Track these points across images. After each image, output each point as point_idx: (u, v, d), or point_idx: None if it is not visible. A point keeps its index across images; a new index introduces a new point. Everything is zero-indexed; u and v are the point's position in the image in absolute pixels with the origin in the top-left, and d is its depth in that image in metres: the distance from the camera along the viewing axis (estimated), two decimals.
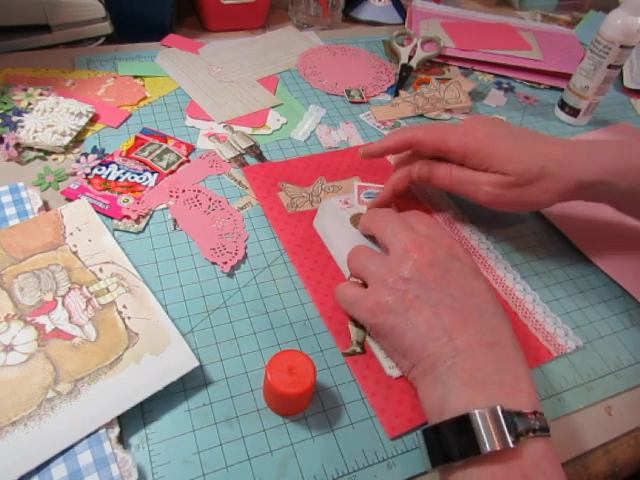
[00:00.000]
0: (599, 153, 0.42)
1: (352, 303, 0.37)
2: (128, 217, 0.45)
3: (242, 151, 0.54)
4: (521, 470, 0.28)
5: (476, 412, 0.29)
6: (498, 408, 0.29)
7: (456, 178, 0.44)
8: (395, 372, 0.37)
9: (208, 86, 0.62)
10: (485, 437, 0.29)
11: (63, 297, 0.38)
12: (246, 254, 0.45)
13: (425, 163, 0.45)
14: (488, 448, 0.28)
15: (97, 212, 0.45)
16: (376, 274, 0.36)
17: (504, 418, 0.29)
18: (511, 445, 0.28)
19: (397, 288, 0.35)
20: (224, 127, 0.57)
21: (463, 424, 0.29)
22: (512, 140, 0.42)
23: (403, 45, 0.72)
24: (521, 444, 0.29)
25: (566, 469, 0.35)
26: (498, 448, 0.28)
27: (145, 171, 0.50)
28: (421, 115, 0.63)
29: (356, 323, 0.40)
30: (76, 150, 0.52)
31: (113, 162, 0.50)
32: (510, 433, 0.28)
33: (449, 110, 0.64)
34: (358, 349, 0.39)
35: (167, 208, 0.47)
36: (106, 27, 0.68)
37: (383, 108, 0.63)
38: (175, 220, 0.46)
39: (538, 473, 0.28)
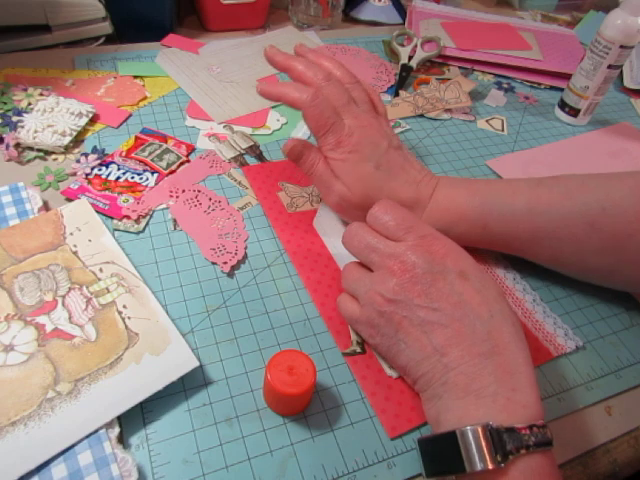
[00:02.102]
0: (445, 207, 0.42)
1: (352, 321, 0.37)
2: (128, 217, 0.45)
3: (242, 151, 0.54)
4: None
5: (464, 429, 0.29)
6: (487, 425, 0.28)
7: (317, 172, 0.43)
8: (395, 373, 0.37)
9: (208, 86, 0.62)
10: (470, 456, 0.28)
11: (63, 297, 0.38)
12: (246, 254, 0.45)
13: (300, 142, 0.44)
14: (472, 467, 0.28)
15: (97, 212, 0.45)
16: (365, 297, 0.35)
17: (492, 436, 0.28)
18: (495, 465, 0.27)
19: (384, 310, 0.34)
20: (224, 127, 0.57)
21: (450, 440, 0.29)
22: (375, 168, 0.41)
23: (403, 45, 0.72)
24: (510, 462, 0.28)
25: (566, 469, 0.35)
26: (480, 468, 0.28)
27: (145, 171, 0.50)
28: (421, 115, 0.63)
29: None
30: (76, 150, 0.52)
31: (113, 162, 0.50)
32: (497, 452, 0.28)
33: (449, 110, 0.64)
34: (358, 349, 0.39)
35: (167, 208, 0.47)
36: (106, 27, 0.68)
37: None
38: (175, 220, 0.46)
39: None
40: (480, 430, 0.28)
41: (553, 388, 0.39)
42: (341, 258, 0.44)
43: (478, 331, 0.32)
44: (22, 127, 0.51)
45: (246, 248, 0.45)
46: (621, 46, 0.57)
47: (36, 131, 0.51)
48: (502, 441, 0.28)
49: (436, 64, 0.73)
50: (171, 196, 0.48)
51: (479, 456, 0.28)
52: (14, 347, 0.35)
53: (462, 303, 0.33)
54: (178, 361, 0.35)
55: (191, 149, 0.54)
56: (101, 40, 0.69)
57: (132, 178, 0.49)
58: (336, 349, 0.39)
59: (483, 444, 0.28)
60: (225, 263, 0.43)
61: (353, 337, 0.39)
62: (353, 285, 0.37)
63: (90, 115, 0.54)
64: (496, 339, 0.32)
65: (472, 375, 0.31)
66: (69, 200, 0.46)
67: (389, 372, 0.37)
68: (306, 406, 0.35)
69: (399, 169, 0.43)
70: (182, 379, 0.35)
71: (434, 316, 0.32)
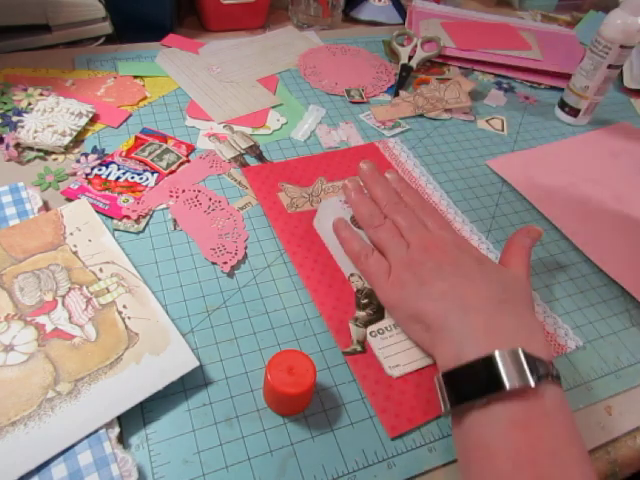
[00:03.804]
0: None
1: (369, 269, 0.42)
2: (128, 217, 0.45)
3: (242, 151, 0.54)
4: (542, 408, 0.30)
5: (497, 352, 0.31)
6: (519, 350, 0.31)
7: (372, 267, 0.41)
8: (395, 372, 0.37)
9: (208, 86, 0.62)
10: (509, 374, 0.30)
11: (63, 297, 0.38)
12: (246, 254, 0.45)
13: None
14: (511, 384, 0.29)
15: (97, 212, 0.45)
16: (398, 256, 0.40)
17: (526, 359, 0.30)
18: (532, 384, 0.29)
19: (414, 264, 0.38)
20: (224, 127, 0.57)
21: (486, 363, 0.31)
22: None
23: (403, 45, 0.72)
24: (542, 386, 0.30)
25: None
26: (520, 385, 0.29)
27: (145, 171, 0.50)
28: (421, 115, 0.63)
29: (357, 322, 0.40)
30: (76, 150, 0.52)
31: (113, 162, 0.50)
32: (532, 373, 0.30)
33: (449, 110, 0.64)
34: (359, 348, 0.39)
35: (167, 208, 0.47)
36: (106, 27, 0.68)
37: (383, 108, 0.63)
38: (175, 220, 0.46)
39: (558, 413, 0.30)
40: (520, 352, 0.31)
41: None
42: (341, 258, 0.44)
43: (494, 284, 0.36)
44: (22, 127, 0.51)
45: (246, 248, 0.45)
46: (621, 46, 0.57)
47: (36, 131, 0.51)
48: (536, 366, 0.30)
49: (436, 64, 0.73)
50: (171, 196, 0.48)
51: (521, 375, 0.30)
52: (14, 347, 0.35)
53: (484, 266, 0.38)
54: (178, 361, 0.35)
55: (191, 149, 0.54)
56: (101, 40, 0.69)
57: (132, 178, 0.49)
58: (336, 349, 0.39)
59: (524, 363, 0.30)
60: (225, 263, 0.43)
61: (354, 336, 0.39)
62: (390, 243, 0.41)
63: (90, 115, 0.54)
64: (511, 293, 0.36)
65: (492, 315, 0.34)
66: (69, 200, 0.46)
67: (389, 372, 0.37)
68: (306, 406, 0.35)
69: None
70: (182, 379, 0.35)
71: (459, 271, 0.37)
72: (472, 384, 0.31)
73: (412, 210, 0.43)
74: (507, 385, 0.30)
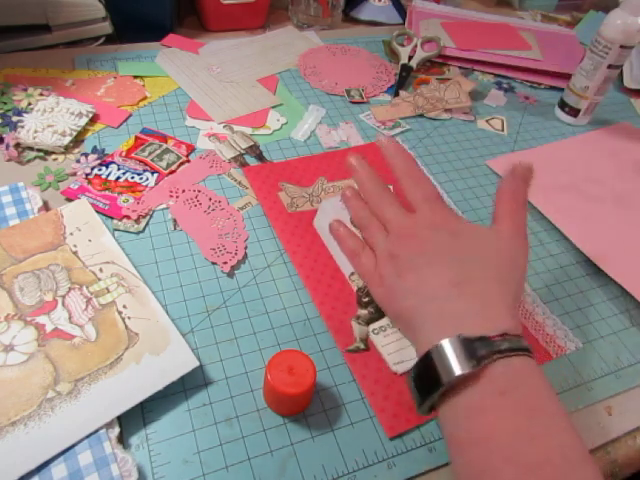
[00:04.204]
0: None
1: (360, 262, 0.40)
2: (128, 217, 0.45)
3: (242, 151, 0.54)
4: (495, 388, 0.28)
5: (437, 344, 0.30)
6: (458, 336, 0.29)
7: (363, 265, 0.40)
8: (400, 368, 0.37)
9: (208, 86, 0.62)
10: (445, 367, 0.29)
11: (63, 297, 0.38)
12: (246, 254, 0.45)
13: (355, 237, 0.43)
14: (448, 377, 0.29)
15: (97, 212, 0.45)
16: (382, 247, 0.38)
17: (463, 345, 0.29)
18: (469, 369, 0.28)
19: (392, 258, 0.37)
20: (224, 127, 0.57)
21: (428, 361, 0.30)
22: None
23: (403, 45, 0.72)
24: (489, 366, 0.29)
25: None
26: (455, 375, 0.28)
27: (145, 171, 0.50)
28: (421, 115, 0.63)
29: (359, 320, 0.40)
30: (76, 150, 0.52)
31: (113, 162, 0.50)
32: (471, 358, 0.29)
33: (449, 110, 0.64)
34: (362, 346, 0.39)
35: (167, 208, 0.47)
36: (106, 27, 0.68)
37: (383, 108, 0.63)
38: (175, 220, 0.46)
39: (515, 387, 0.28)
40: (450, 341, 0.29)
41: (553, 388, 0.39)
42: (341, 258, 0.44)
43: (455, 266, 0.34)
44: (22, 127, 0.51)
45: (246, 248, 0.45)
46: (621, 46, 0.57)
47: (36, 131, 0.51)
48: (473, 348, 0.29)
49: (436, 64, 0.73)
50: (171, 196, 0.48)
51: (453, 365, 0.29)
52: (14, 347, 0.35)
53: (452, 247, 0.35)
54: (178, 361, 0.35)
55: (191, 149, 0.54)
56: (101, 40, 0.69)
57: (132, 178, 0.49)
58: (336, 349, 0.39)
59: (455, 353, 0.29)
60: (225, 263, 0.43)
61: (356, 334, 0.39)
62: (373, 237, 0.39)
63: (90, 115, 0.54)
64: (477, 267, 0.34)
65: (444, 300, 0.32)
66: (69, 200, 0.46)
67: (394, 368, 0.37)
68: (306, 406, 0.35)
69: None
70: (182, 379, 0.35)
71: (423, 259, 0.35)
72: (423, 385, 0.31)
73: (393, 192, 0.41)
74: (445, 379, 0.29)
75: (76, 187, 0.47)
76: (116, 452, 0.31)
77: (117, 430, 0.32)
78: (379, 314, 0.41)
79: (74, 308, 0.37)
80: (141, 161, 0.51)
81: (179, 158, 0.52)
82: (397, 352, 0.38)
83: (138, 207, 0.46)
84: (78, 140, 0.53)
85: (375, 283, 0.38)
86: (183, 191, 0.49)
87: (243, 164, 0.53)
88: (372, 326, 0.40)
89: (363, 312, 0.41)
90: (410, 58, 0.70)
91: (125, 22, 0.69)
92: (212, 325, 0.39)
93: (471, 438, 0.28)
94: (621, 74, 0.75)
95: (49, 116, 0.52)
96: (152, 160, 0.51)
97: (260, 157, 0.54)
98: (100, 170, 0.49)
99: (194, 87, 0.62)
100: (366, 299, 0.42)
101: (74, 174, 0.49)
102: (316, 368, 0.33)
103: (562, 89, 0.67)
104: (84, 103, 0.55)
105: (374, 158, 0.55)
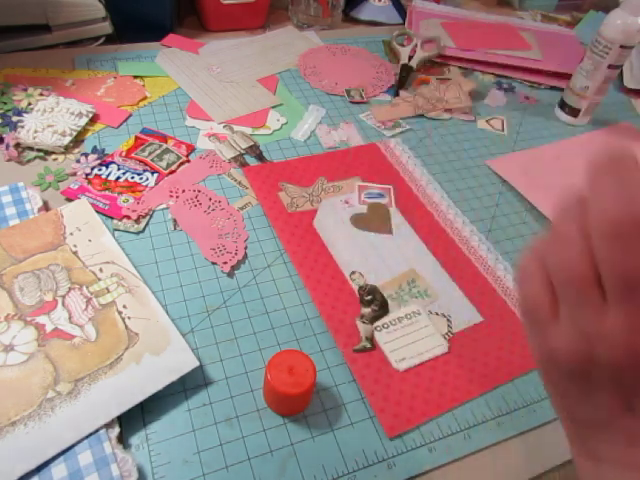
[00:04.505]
0: None
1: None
2: (128, 217, 0.45)
3: (242, 151, 0.54)
4: None
5: None
6: None
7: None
8: (402, 365, 0.37)
9: (208, 86, 0.62)
10: None
11: (63, 297, 0.38)
12: (246, 254, 0.45)
13: None
14: None
15: (97, 212, 0.45)
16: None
17: None
18: None
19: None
20: (224, 127, 0.57)
21: None
22: None
23: (403, 45, 0.72)
24: None
25: (566, 470, 0.35)
26: None
27: (145, 171, 0.50)
28: (421, 115, 0.63)
29: (363, 319, 0.40)
30: (76, 150, 0.52)
31: (113, 162, 0.50)
32: None
33: (449, 110, 0.64)
34: (368, 345, 0.39)
35: (167, 208, 0.47)
36: (106, 27, 0.68)
37: (383, 108, 0.63)
38: (175, 220, 0.46)
39: None
40: None
41: None
42: (341, 258, 0.44)
43: None
44: (22, 127, 0.51)
45: (246, 248, 0.45)
46: (621, 46, 0.57)
47: (36, 131, 0.51)
48: None
49: (436, 64, 0.73)
50: (171, 196, 0.48)
51: None
52: (14, 347, 0.35)
53: None
54: (178, 361, 0.35)
55: (191, 149, 0.54)
56: (101, 40, 0.69)
57: (132, 178, 0.49)
58: (336, 349, 0.39)
59: None
60: (225, 263, 0.43)
61: (362, 333, 0.39)
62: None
63: (90, 115, 0.54)
64: None
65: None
66: (69, 200, 0.46)
67: (396, 365, 0.37)
68: (306, 406, 0.35)
69: None
70: (182, 379, 0.35)
71: None
72: None
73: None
74: None
75: (76, 187, 0.47)
76: (116, 452, 0.31)
77: (117, 430, 0.32)
78: (382, 311, 0.41)
79: (74, 308, 0.37)
80: (141, 161, 0.51)
81: (179, 158, 0.52)
82: (399, 349, 0.38)
83: (138, 207, 0.46)
84: (78, 140, 0.53)
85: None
86: (183, 191, 0.49)
87: (243, 164, 0.53)
88: (375, 323, 0.40)
89: (366, 310, 0.41)
90: (410, 58, 0.70)
91: (125, 22, 0.69)
92: (212, 325, 0.39)
93: None
94: (621, 74, 0.75)
95: (49, 116, 0.52)
96: (152, 160, 0.51)
97: (260, 157, 0.54)
98: (100, 170, 0.49)
99: (194, 87, 0.62)
100: (368, 297, 0.42)
101: (74, 174, 0.49)
102: (316, 368, 0.33)
103: (562, 89, 0.67)
104: (84, 103, 0.55)
105: (375, 159, 0.55)
